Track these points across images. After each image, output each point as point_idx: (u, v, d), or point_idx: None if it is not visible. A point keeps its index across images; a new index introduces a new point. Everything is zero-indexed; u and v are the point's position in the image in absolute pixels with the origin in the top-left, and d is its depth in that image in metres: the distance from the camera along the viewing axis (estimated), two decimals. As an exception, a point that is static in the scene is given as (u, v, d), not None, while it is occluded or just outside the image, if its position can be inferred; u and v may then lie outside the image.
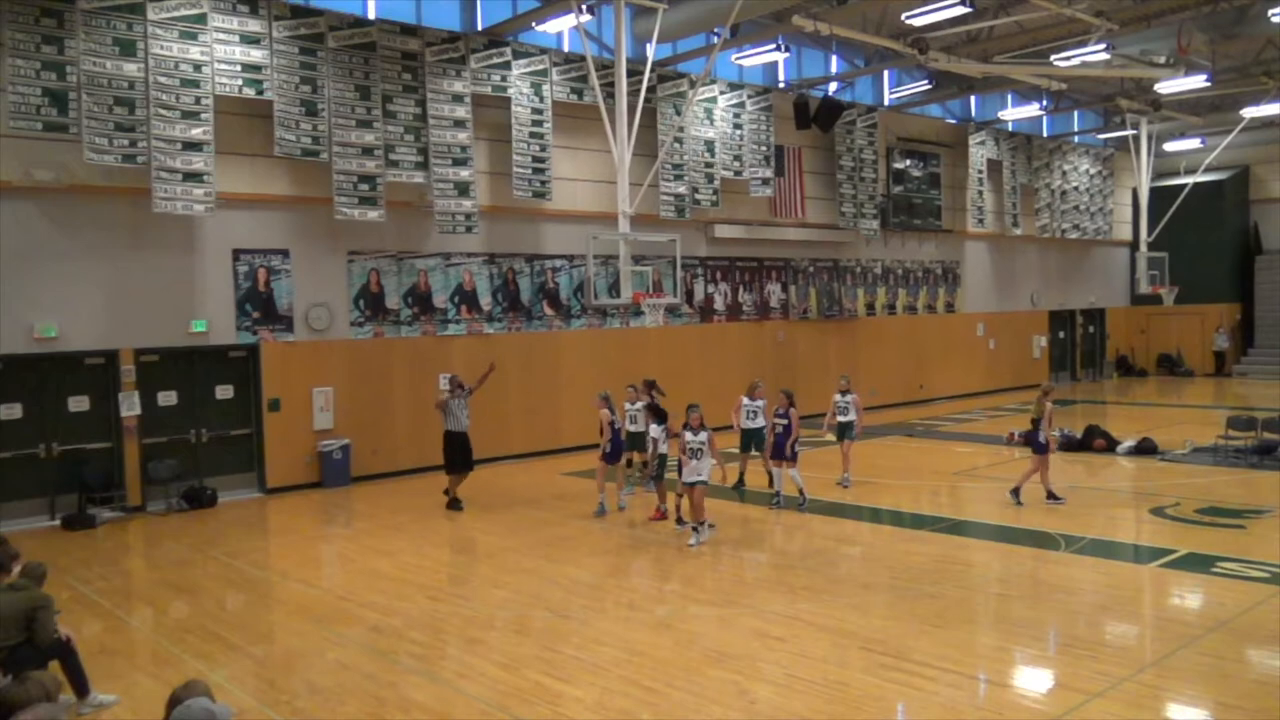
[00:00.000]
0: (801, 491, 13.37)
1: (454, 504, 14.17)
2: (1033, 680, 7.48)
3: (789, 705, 6.83)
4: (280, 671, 7.88)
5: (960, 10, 16.71)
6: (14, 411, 14.02)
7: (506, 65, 17.98)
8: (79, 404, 14.56)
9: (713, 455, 11.57)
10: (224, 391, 15.90)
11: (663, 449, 13.03)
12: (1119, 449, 17.63)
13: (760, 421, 14.38)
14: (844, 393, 14.96)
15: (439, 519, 13.74)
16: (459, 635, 8.72)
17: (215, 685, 4.91)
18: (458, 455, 14.18)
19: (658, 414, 13.06)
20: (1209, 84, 22.92)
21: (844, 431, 14.92)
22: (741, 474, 14.78)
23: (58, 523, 13.95)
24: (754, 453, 14.56)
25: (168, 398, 15.26)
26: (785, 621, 8.68)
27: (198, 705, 4.21)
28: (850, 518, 12.96)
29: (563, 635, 8.53)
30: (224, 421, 15.85)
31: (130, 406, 14.70)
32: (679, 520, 12.38)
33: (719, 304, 22.43)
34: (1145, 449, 17.34)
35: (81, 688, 7.06)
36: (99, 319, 14.40)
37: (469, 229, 17.51)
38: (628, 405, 14.34)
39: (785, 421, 13.40)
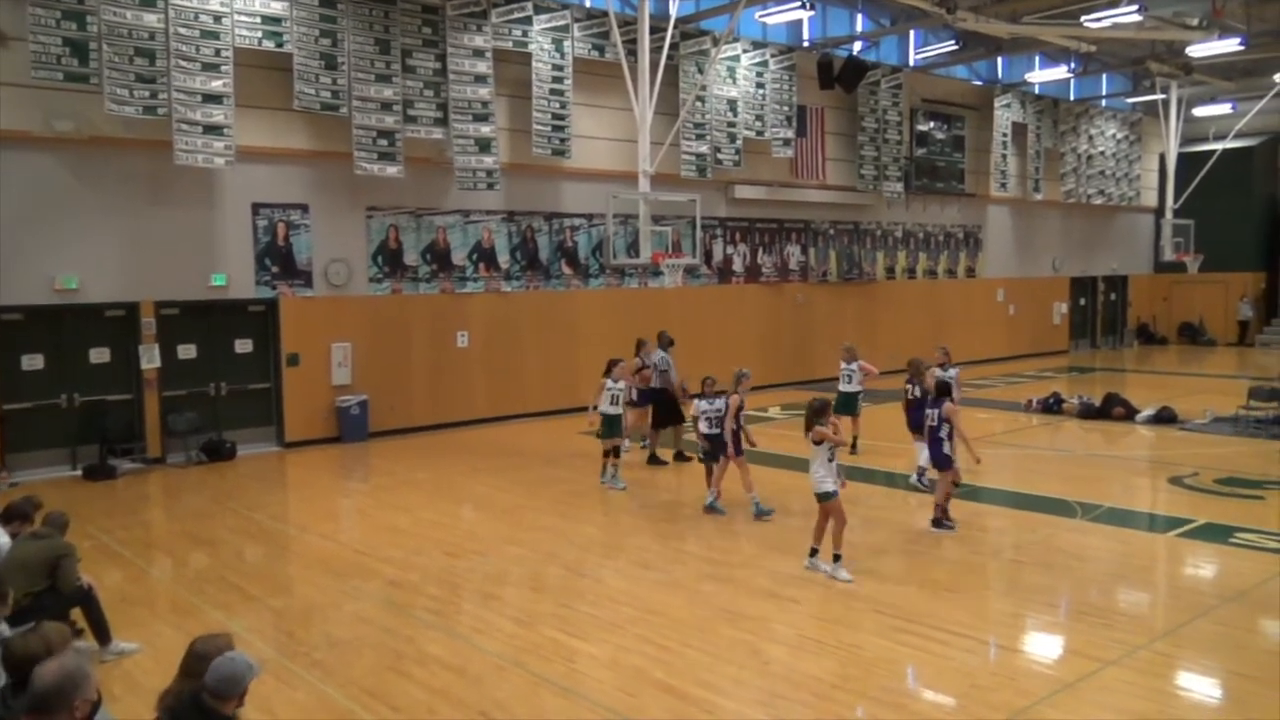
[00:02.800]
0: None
1: (653, 459, 14.27)
2: (1046, 646, 7.48)
3: (802, 666, 6.86)
4: (299, 623, 7.98)
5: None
6: (36, 362, 14.14)
7: (528, 20, 17.79)
8: (100, 355, 14.68)
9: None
10: (243, 346, 15.98)
11: (707, 428, 11.22)
12: (1138, 417, 17.52)
13: (856, 386, 14.33)
14: (943, 366, 12.72)
15: (456, 475, 13.82)
16: (475, 591, 8.80)
17: (235, 636, 4.96)
18: (655, 412, 14.50)
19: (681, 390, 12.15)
20: (1243, 47, 22.43)
21: None
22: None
23: (79, 473, 14.11)
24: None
25: (187, 351, 15.35)
26: (799, 583, 8.71)
27: (240, 657, 4.26)
28: (865, 482, 12.94)
29: (578, 593, 8.59)
30: (243, 375, 15.95)
31: (150, 359, 14.80)
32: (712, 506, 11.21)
33: (738, 265, 22.31)
34: (1165, 418, 17.23)
35: (103, 635, 7.17)
36: (119, 271, 14.46)
37: (490, 186, 17.43)
38: (608, 383, 12.66)
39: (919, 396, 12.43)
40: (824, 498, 8.89)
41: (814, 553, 9.05)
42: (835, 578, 8.68)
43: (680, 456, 14.30)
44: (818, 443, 8.91)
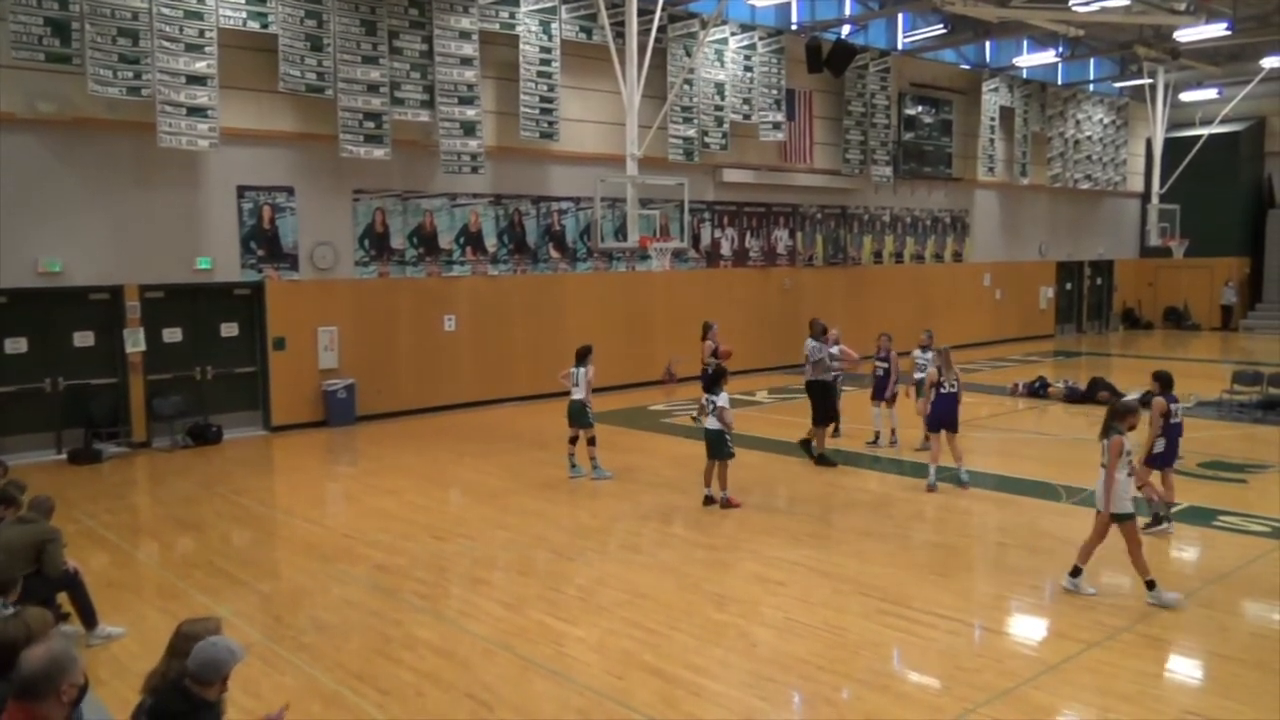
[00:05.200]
0: (894, 431, 14.04)
1: (821, 459, 12.94)
2: (1030, 629, 7.54)
3: (789, 649, 6.90)
4: (286, 608, 7.97)
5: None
6: (19, 345, 14.05)
7: (515, 2, 17.68)
8: (84, 339, 14.59)
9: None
10: (229, 329, 15.90)
11: (712, 422, 10.74)
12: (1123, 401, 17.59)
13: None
14: (924, 349, 13.73)
15: (443, 459, 13.81)
16: (463, 575, 8.81)
17: (222, 620, 4.94)
18: (815, 404, 13.13)
19: (715, 379, 11.04)
20: (1229, 32, 22.48)
21: (921, 388, 13.83)
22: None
23: (64, 457, 14.04)
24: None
25: (172, 334, 15.27)
26: (787, 567, 8.75)
27: (222, 642, 4.23)
28: (852, 465, 13.00)
29: (566, 576, 8.61)
30: (229, 359, 15.87)
31: (135, 343, 14.71)
32: (709, 499, 10.89)
33: (726, 249, 22.30)
34: (1149, 402, 17.27)
35: (89, 619, 7.15)
36: (103, 254, 14.35)
37: (474, 169, 17.35)
38: (574, 369, 12.30)
39: (886, 365, 13.85)
40: (1120, 519, 7.68)
41: (1077, 572, 7.95)
42: (1163, 604, 7.52)
43: (822, 460, 12.98)
44: (1119, 453, 7.71)
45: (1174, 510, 9.91)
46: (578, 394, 12.21)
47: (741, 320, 22.17)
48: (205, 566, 9.06)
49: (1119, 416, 7.99)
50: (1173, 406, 9.59)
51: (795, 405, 17.42)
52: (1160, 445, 9.51)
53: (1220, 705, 6.02)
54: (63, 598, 7.11)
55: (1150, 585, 7.65)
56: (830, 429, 13.38)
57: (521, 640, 7.12)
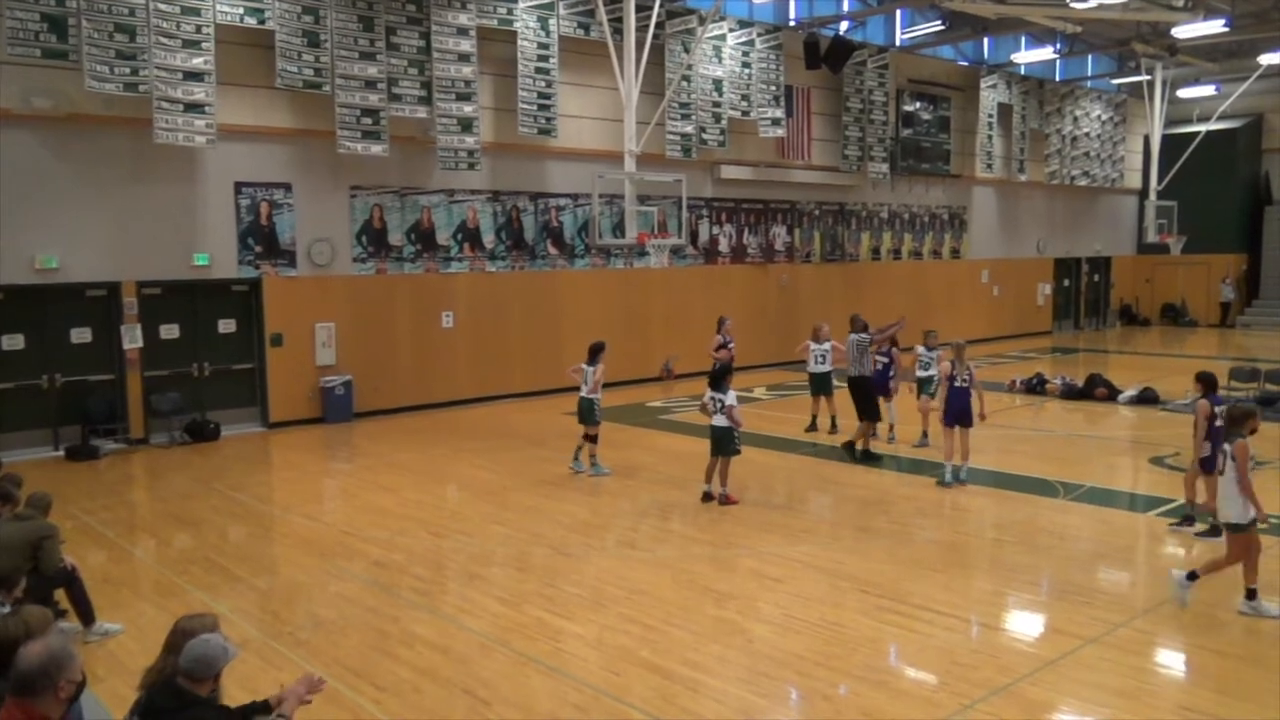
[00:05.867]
0: (892, 426, 14.18)
1: (849, 447, 13.02)
2: (1028, 624, 7.55)
3: (786, 645, 6.90)
4: (283, 604, 7.97)
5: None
6: (16, 342, 14.03)
7: (513, -2, 17.67)
8: (81, 336, 14.57)
9: None
10: (226, 326, 15.88)
11: (719, 419, 10.78)
12: (1120, 398, 17.64)
13: (828, 365, 14.65)
14: (929, 348, 14.01)
15: (441, 456, 13.81)
16: (460, 571, 8.81)
17: (219, 616, 4.94)
18: (857, 401, 13.06)
19: (720, 376, 11.13)
20: (1227, 29, 22.48)
21: (923, 387, 14.01)
22: (814, 417, 15.10)
23: (61, 453, 14.04)
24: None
25: (170, 331, 15.25)
26: (784, 563, 8.75)
27: (215, 639, 4.22)
28: (849, 462, 12.99)
29: (563, 573, 8.61)
30: (226, 356, 15.86)
31: (132, 339, 14.70)
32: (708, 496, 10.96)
33: (724, 246, 22.29)
34: (1146, 398, 17.35)
35: (87, 616, 7.15)
36: (100, 251, 14.33)
37: (471, 166, 17.33)
38: (585, 366, 12.28)
39: (887, 360, 13.94)
40: (1242, 528, 7.39)
41: (1252, 594, 7.36)
42: (1263, 614, 7.29)
43: (868, 455, 12.95)
44: (1246, 456, 7.39)
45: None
46: (586, 391, 12.21)
47: (740, 317, 22.12)
48: (203, 563, 9.06)
49: (1238, 421, 7.68)
50: (1217, 409, 9.19)
51: (793, 402, 17.44)
52: (1207, 449, 9.02)
53: (1217, 701, 6.03)
54: (60, 594, 7.11)
55: (1193, 575, 7.51)
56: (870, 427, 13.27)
57: (519, 636, 7.12)
